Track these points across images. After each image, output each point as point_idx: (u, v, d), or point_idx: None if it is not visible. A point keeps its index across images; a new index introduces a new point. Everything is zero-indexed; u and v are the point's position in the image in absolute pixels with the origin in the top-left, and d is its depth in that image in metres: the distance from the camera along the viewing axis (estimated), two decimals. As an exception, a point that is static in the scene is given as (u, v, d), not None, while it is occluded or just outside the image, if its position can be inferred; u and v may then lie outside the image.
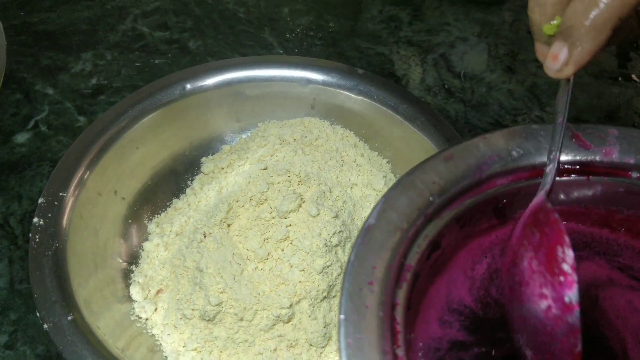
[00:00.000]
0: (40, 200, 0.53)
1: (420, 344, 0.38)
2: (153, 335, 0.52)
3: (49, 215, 0.52)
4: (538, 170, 0.41)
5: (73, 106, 0.68)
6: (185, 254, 0.53)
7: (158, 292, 0.54)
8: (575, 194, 0.42)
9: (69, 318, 0.47)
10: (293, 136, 0.61)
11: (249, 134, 0.64)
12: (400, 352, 0.33)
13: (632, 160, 0.42)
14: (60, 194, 0.53)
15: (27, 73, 0.71)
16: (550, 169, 0.41)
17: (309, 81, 0.63)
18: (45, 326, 0.46)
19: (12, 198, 0.61)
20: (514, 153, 0.41)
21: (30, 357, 0.52)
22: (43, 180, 0.62)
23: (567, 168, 0.42)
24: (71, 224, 0.52)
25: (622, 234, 0.43)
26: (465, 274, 0.41)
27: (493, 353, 0.40)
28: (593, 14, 0.35)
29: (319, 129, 0.62)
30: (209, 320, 0.50)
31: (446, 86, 0.71)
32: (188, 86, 0.61)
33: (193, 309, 0.50)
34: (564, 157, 0.42)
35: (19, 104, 0.68)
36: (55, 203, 0.52)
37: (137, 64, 0.73)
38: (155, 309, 0.53)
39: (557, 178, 0.41)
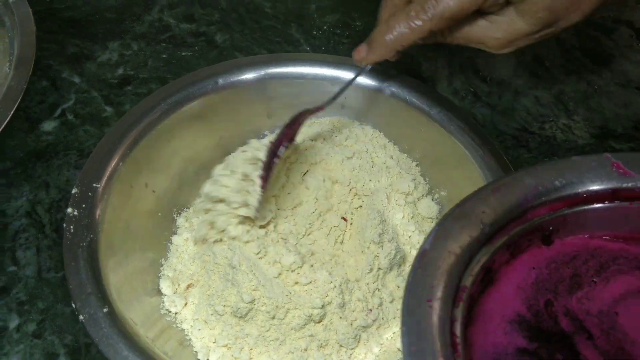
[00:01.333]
0: (73, 191, 0.53)
1: (480, 354, 0.38)
2: (183, 329, 0.52)
3: (83, 206, 0.52)
4: (580, 198, 0.44)
5: (100, 96, 0.68)
6: (216, 250, 0.53)
7: (188, 286, 0.54)
8: (622, 220, 0.45)
9: (105, 310, 0.47)
10: (322, 135, 0.61)
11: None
12: None
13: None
14: (94, 185, 0.53)
15: (54, 60, 0.71)
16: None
17: (340, 80, 0.63)
18: (81, 317, 0.46)
19: (39, 186, 0.60)
20: (557, 183, 0.44)
21: (58, 347, 0.51)
22: (70, 170, 0.62)
23: (607, 195, 0.45)
24: (104, 215, 0.52)
25: None
26: (518, 285, 0.43)
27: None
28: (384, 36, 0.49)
29: (348, 128, 0.62)
30: (240, 317, 0.50)
31: (473, 90, 0.71)
32: (220, 81, 0.61)
33: (225, 305, 0.50)
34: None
35: (46, 92, 0.68)
36: (89, 194, 0.52)
37: (164, 56, 0.73)
38: (185, 304, 0.53)
39: (607, 204, 0.45)
